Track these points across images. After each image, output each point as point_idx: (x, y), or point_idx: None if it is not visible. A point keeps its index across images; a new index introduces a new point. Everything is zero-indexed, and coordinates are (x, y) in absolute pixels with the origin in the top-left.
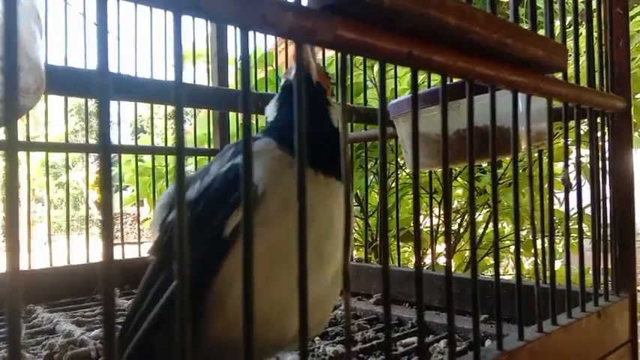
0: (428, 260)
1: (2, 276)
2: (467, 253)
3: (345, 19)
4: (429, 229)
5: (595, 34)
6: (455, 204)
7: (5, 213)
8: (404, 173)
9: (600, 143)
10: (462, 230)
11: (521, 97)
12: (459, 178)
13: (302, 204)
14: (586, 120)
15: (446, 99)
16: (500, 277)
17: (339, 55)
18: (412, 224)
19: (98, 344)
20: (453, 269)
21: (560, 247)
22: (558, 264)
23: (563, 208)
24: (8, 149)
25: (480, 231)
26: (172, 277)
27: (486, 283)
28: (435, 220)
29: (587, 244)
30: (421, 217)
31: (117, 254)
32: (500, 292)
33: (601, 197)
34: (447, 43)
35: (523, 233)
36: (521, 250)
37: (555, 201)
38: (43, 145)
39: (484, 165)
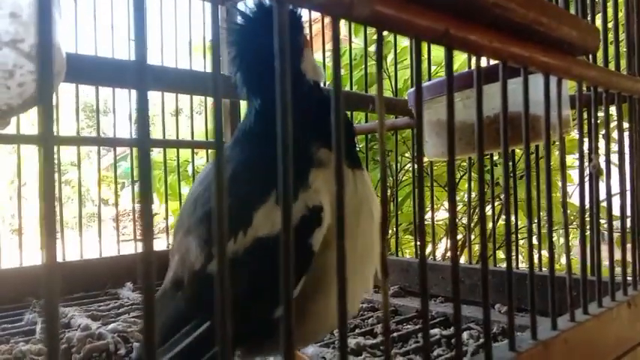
0: (439, 253)
1: (25, 271)
2: (476, 247)
3: None
4: (440, 222)
5: (622, 17)
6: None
7: (41, 205)
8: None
9: (628, 129)
10: (472, 225)
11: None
12: (473, 170)
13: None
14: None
15: (480, 80)
16: (515, 270)
17: (374, 32)
18: (424, 217)
19: (116, 337)
20: (462, 261)
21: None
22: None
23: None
24: (43, 139)
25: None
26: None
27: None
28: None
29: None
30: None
31: (129, 250)
32: (534, 281)
33: (628, 185)
34: (482, 21)
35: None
36: (535, 242)
37: (572, 192)
38: (56, 139)
39: (496, 157)
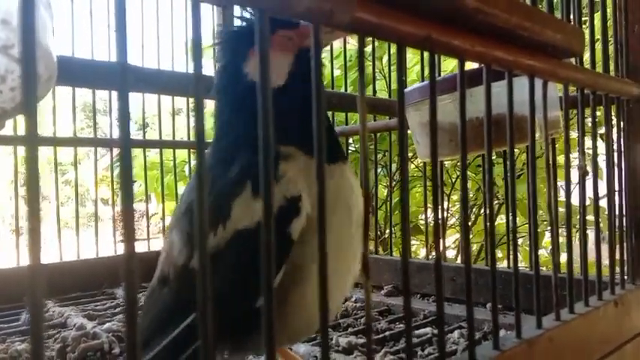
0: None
1: (23, 271)
2: (474, 247)
3: (364, 0)
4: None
5: (610, 20)
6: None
7: (27, 207)
8: (412, 165)
9: (615, 130)
10: (468, 223)
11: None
12: (467, 171)
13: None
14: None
15: (464, 84)
16: (506, 269)
17: (357, 38)
18: (420, 217)
19: (111, 337)
20: (458, 261)
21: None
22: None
23: (576, 199)
24: (29, 142)
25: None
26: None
27: (498, 274)
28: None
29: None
30: (427, 210)
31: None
32: (518, 281)
33: (617, 185)
34: (466, 26)
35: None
36: (525, 241)
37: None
38: (52, 140)
39: (493, 157)
